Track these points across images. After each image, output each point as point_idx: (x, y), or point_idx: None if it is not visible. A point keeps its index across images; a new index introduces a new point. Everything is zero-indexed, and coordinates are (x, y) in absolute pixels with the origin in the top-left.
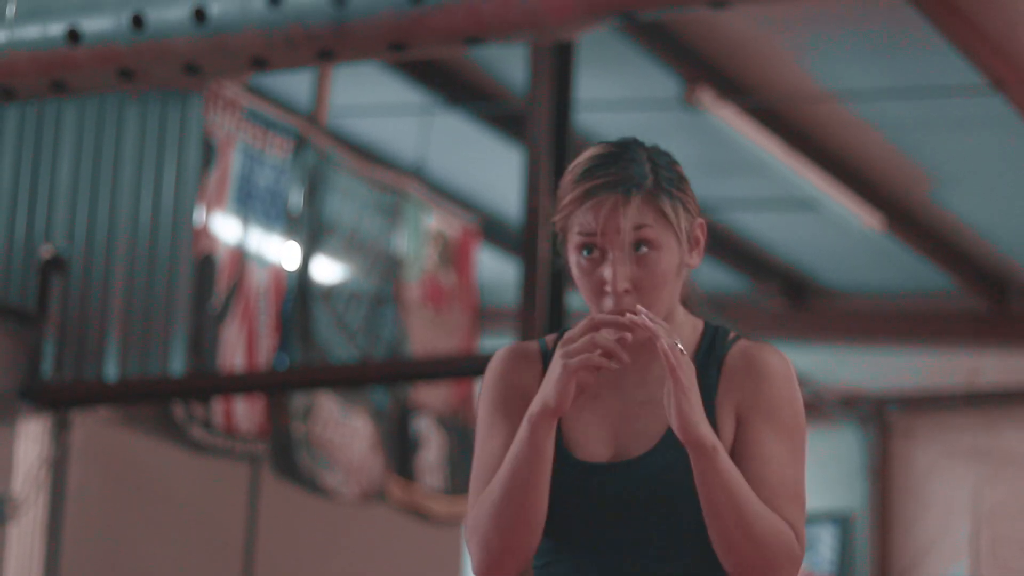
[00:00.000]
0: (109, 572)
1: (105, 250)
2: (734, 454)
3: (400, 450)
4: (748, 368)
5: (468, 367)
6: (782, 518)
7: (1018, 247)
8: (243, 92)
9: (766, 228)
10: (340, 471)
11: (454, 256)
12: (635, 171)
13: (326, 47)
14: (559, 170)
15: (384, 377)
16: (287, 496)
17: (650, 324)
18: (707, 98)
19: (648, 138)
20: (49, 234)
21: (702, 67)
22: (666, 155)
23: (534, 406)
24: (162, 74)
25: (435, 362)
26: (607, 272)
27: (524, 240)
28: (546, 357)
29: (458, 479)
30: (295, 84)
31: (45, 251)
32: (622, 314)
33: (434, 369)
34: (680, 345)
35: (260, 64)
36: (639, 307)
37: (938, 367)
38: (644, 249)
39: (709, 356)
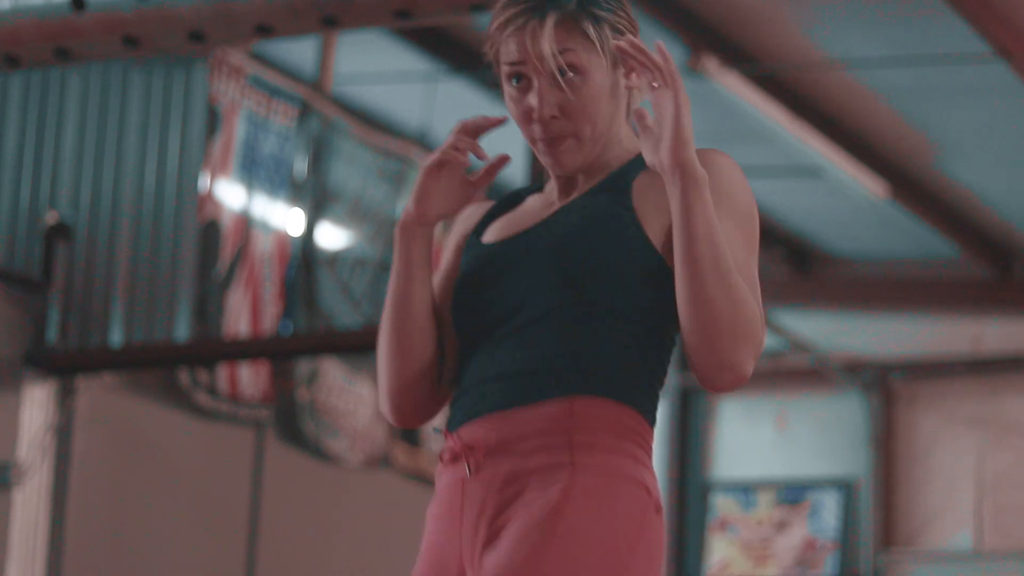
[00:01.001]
0: (113, 537)
1: (110, 217)
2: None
3: None
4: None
5: None
6: None
7: (1022, 215)
8: (247, 59)
9: (771, 196)
10: (345, 437)
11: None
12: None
13: (331, 14)
14: None
15: None
16: (292, 462)
17: (651, 55)
18: (712, 66)
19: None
20: (54, 201)
21: (707, 34)
22: None
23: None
24: (166, 41)
25: None
26: (532, 99)
27: None
28: None
29: None
30: (300, 51)
31: (50, 218)
32: (553, 137)
33: None
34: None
35: (265, 31)
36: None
37: (942, 334)
38: (571, 74)
39: (633, 165)
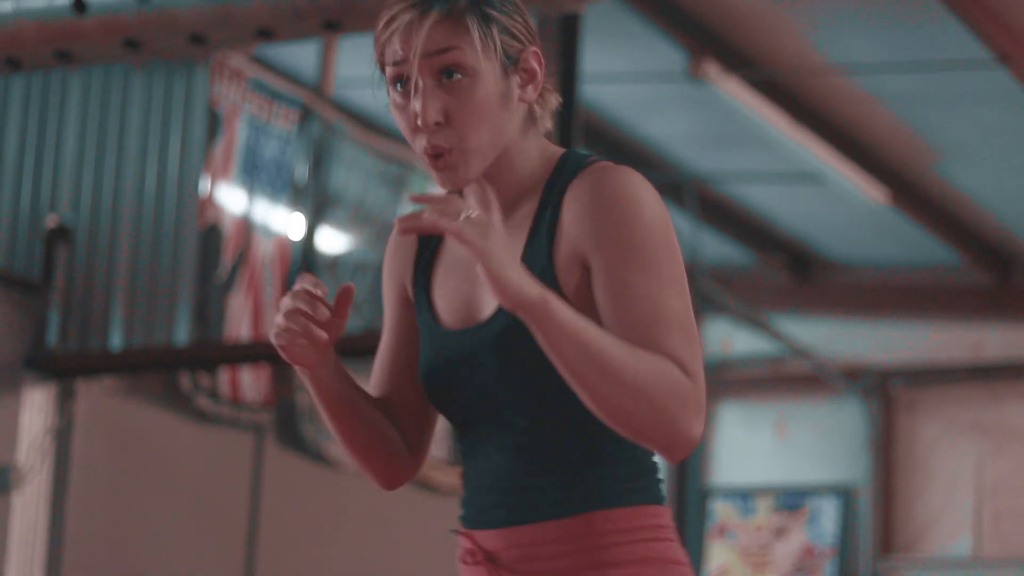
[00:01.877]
0: (113, 541)
1: (110, 220)
2: (595, 298)
3: None
4: (589, 195)
5: None
6: (659, 353)
7: (1022, 222)
8: (249, 63)
9: (771, 201)
10: None
11: None
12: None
13: (332, 18)
14: (564, 142)
15: None
16: (291, 467)
17: (418, 223)
18: (712, 71)
19: (654, 111)
20: (54, 204)
21: (708, 39)
22: None
23: None
24: (168, 44)
25: None
26: (416, 105)
27: None
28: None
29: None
30: (301, 55)
31: (50, 220)
32: (447, 202)
33: None
34: (472, 211)
35: (266, 35)
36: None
37: (942, 341)
38: (456, 76)
39: (551, 191)
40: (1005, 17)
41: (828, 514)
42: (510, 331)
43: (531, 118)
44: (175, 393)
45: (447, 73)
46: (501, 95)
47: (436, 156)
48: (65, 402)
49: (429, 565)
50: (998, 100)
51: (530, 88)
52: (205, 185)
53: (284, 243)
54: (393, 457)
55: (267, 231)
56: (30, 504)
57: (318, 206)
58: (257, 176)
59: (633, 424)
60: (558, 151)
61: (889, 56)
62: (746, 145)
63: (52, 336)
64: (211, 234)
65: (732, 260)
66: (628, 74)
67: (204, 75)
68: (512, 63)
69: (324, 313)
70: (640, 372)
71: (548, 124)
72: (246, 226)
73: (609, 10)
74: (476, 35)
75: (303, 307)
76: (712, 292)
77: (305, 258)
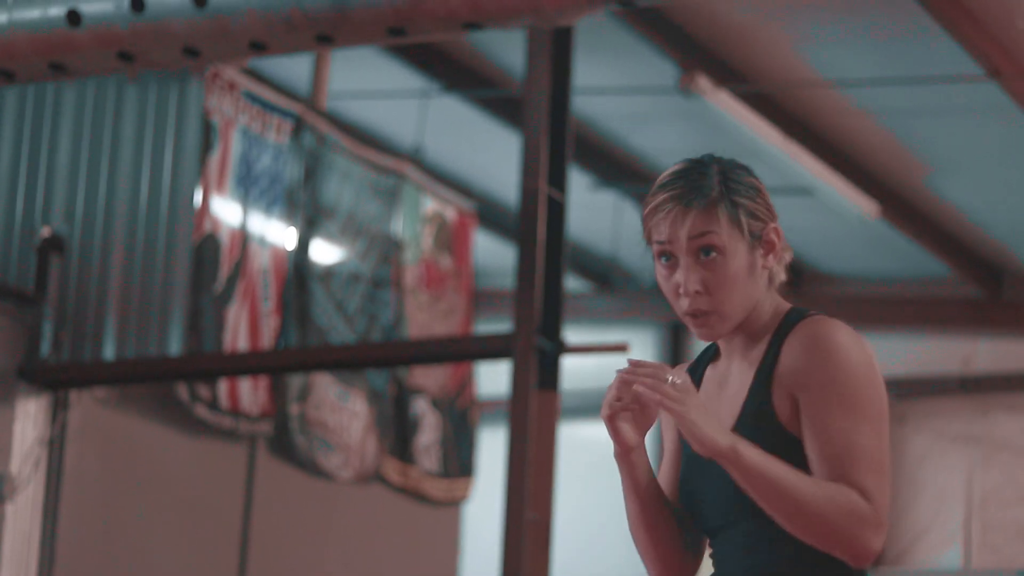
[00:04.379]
0: (105, 552)
1: (103, 231)
2: (802, 431)
3: (398, 432)
4: (801, 344)
5: (465, 350)
6: (849, 486)
7: (1012, 234)
8: (242, 75)
9: None
10: (337, 453)
11: (451, 240)
12: (702, 183)
13: (325, 31)
14: (556, 154)
15: (382, 360)
16: (284, 477)
17: (642, 391)
18: (704, 84)
19: (645, 124)
20: (48, 215)
21: (699, 54)
22: (740, 168)
23: None
24: (161, 57)
25: (432, 345)
26: (679, 276)
27: (521, 224)
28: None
29: (452, 462)
30: (294, 68)
31: (44, 231)
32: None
33: (431, 352)
34: (675, 377)
35: (259, 48)
36: (635, 369)
37: (932, 353)
38: (712, 254)
39: (776, 339)
40: (995, 32)
41: None
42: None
43: (770, 278)
44: (168, 404)
45: (704, 251)
46: (748, 267)
47: (695, 316)
48: (58, 412)
49: (420, 574)
50: (988, 114)
51: (770, 257)
52: (199, 196)
53: (279, 254)
54: (680, 552)
55: (263, 242)
56: (23, 514)
57: (311, 218)
58: (251, 188)
59: (818, 540)
60: (785, 306)
61: (880, 70)
62: (737, 158)
63: (45, 347)
64: (207, 245)
65: None
66: (620, 87)
67: (197, 87)
68: (756, 239)
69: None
70: (819, 499)
71: (783, 277)
72: (242, 237)
73: (601, 24)
74: (725, 222)
75: (636, 381)
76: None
77: (298, 269)
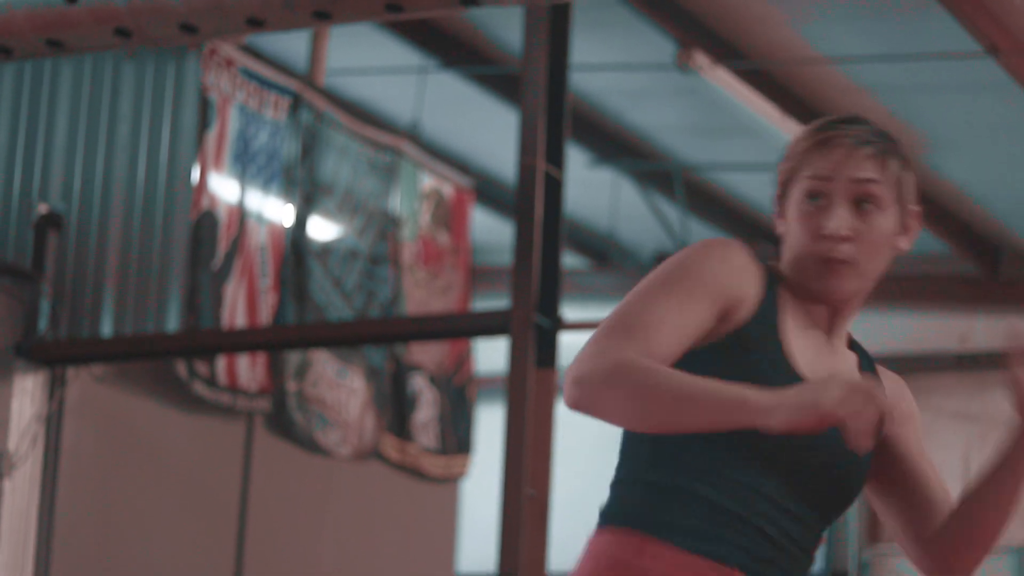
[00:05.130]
0: (103, 528)
1: (101, 207)
2: (902, 458)
3: (396, 409)
4: (900, 389)
5: (462, 327)
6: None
7: (1011, 212)
8: (239, 52)
9: (760, 191)
10: (335, 429)
11: (449, 216)
12: (872, 133)
13: (322, 7)
14: (554, 131)
15: (380, 336)
16: (281, 454)
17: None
18: (702, 61)
19: (643, 100)
20: (45, 192)
21: (697, 30)
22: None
23: (764, 400)
24: (159, 33)
25: (430, 321)
26: (832, 218)
27: (518, 201)
28: (769, 284)
29: (450, 439)
30: (292, 44)
31: (41, 208)
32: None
33: (429, 329)
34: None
35: (256, 24)
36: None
37: (930, 330)
38: (868, 206)
39: (852, 345)
40: (994, 8)
41: None
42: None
43: None
44: (166, 380)
45: (863, 201)
46: (892, 234)
47: (835, 261)
48: (55, 389)
49: (419, 552)
50: (987, 91)
51: (905, 240)
52: (196, 173)
53: (277, 231)
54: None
55: (261, 219)
56: (21, 491)
57: (308, 195)
58: (249, 164)
59: (984, 554)
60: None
61: (878, 47)
62: (735, 135)
63: (42, 323)
64: (205, 222)
65: None
66: (617, 64)
67: (195, 63)
68: (903, 213)
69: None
70: None
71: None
72: (240, 214)
73: (599, 0)
74: (891, 178)
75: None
76: None
77: (295, 247)
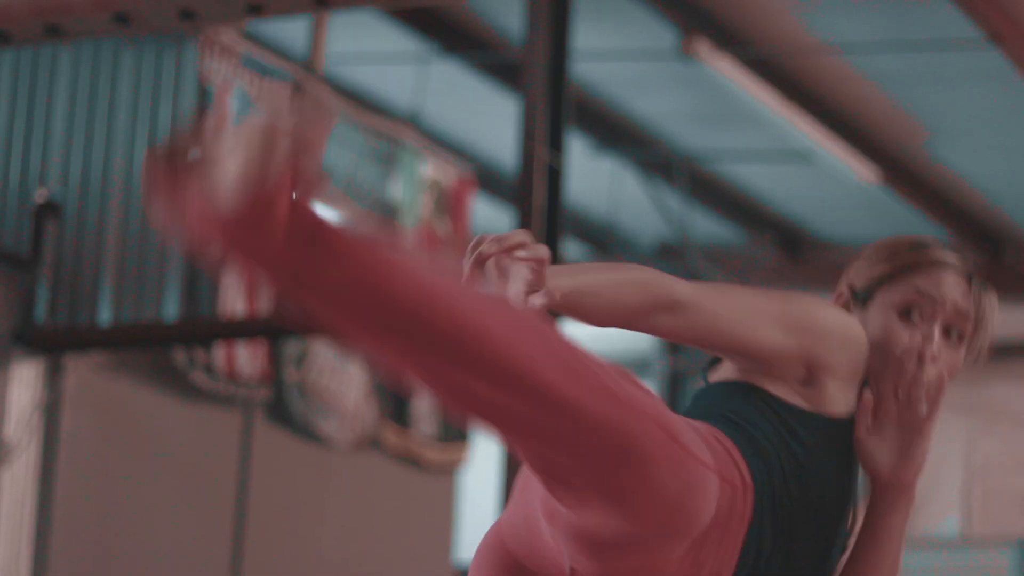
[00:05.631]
0: (101, 517)
1: (99, 194)
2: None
3: (396, 397)
4: None
5: None
6: None
7: (1013, 201)
8: (239, 38)
9: (762, 180)
10: (335, 418)
11: (449, 205)
12: (970, 264)
13: None
14: (555, 119)
15: None
16: (280, 442)
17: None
18: (703, 49)
19: (645, 88)
20: (43, 178)
21: (699, 17)
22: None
23: None
24: (158, 19)
25: None
26: (928, 338)
27: (519, 189)
28: None
29: (449, 427)
30: (291, 31)
31: (39, 195)
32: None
33: None
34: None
35: (256, 10)
36: None
37: None
38: (955, 336)
39: None
40: None
41: None
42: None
43: None
44: (164, 369)
45: (951, 330)
46: (959, 369)
47: (917, 383)
48: (53, 377)
49: (417, 541)
50: (989, 80)
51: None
52: None
53: None
54: None
55: None
56: (18, 480)
57: None
58: None
59: None
60: None
61: (881, 35)
62: (737, 124)
63: (40, 311)
64: None
65: (723, 239)
66: (619, 52)
67: (194, 50)
68: (971, 351)
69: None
70: None
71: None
72: None
73: None
74: (974, 316)
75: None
76: (702, 271)
77: None
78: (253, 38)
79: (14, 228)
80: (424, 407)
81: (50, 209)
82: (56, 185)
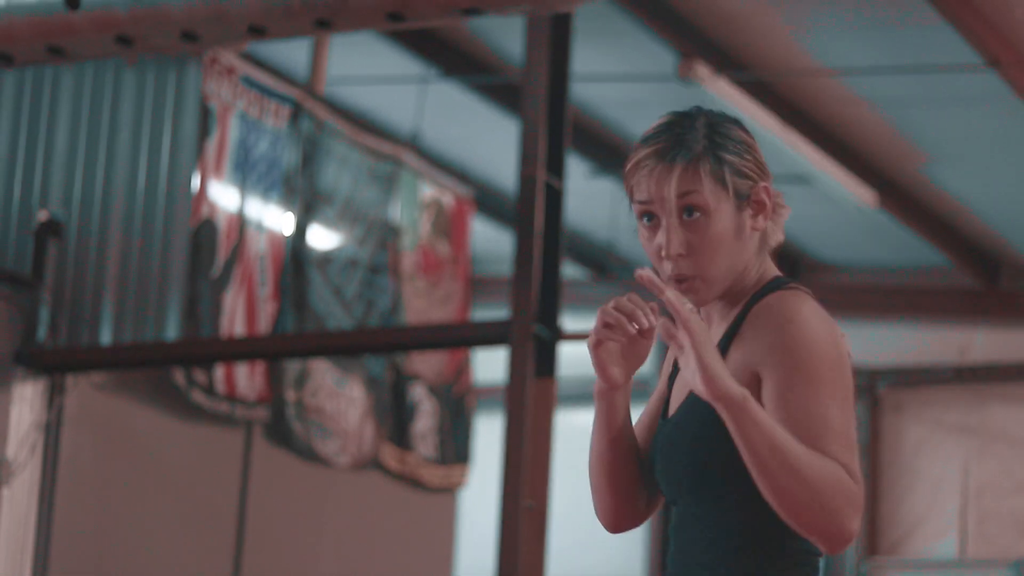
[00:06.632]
0: (101, 537)
1: (101, 215)
2: (765, 407)
3: (396, 418)
4: (761, 315)
5: (462, 337)
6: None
7: (1010, 224)
8: (240, 60)
9: None
10: (335, 439)
11: (449, 226)
12: (686, 138)
13: (324, 16)
14: (554, 141)
15: (379, 346)
16: (280, 463)
17: (654, 279)
18: (702, 72)
19: (644, 111)
20: (45, 199)
21: (698, 41)
22: (730, 122)
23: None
24: (160, 41)
25: (430, 331)
26: (661, 238)
27: (519, 210)
28: None
29: (449, 449)
30: (292, 53)
31: (41, 216)
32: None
33: (429, 338)
34: (689, 305)
35: (258, 32)
36: (643, 270)
37: (929, 343)
38: (696, 215)
39: (749, 303)
40: (995, 21)
41: None
42: (679, 424)
43: (762, 240)
44: (164, 389)
45: (687, 211)
46: (735, 228)
47: (679, 281)
48: (54, 397)
49: (417, 562)
50: (987, 103)
51: (760, 218)
52: (196, 181)
53: (277, 240)
54: (635, 498)
55: (260, 227)
56: (19, 498)
57: (308, 203)
58: (249, 173)
59: (804, 516)
60: (771, 274)
61: (879, 59)
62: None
63: (42, 331)
64: (205, 230)
65: None
66: (618, 74)
67: (196, 72)
68: (744, 198)
69: (644, 322)
70: (816, 470)
71: (780, 237)
72: (240, 222)
73: (599, 10)
74: (710, 180)
75: (614, 315)
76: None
77: (295, 255)
78: (254, 60)
79: (16, 248)
80: (422, 428)
81: (52, 230)
82: (58, 206)
